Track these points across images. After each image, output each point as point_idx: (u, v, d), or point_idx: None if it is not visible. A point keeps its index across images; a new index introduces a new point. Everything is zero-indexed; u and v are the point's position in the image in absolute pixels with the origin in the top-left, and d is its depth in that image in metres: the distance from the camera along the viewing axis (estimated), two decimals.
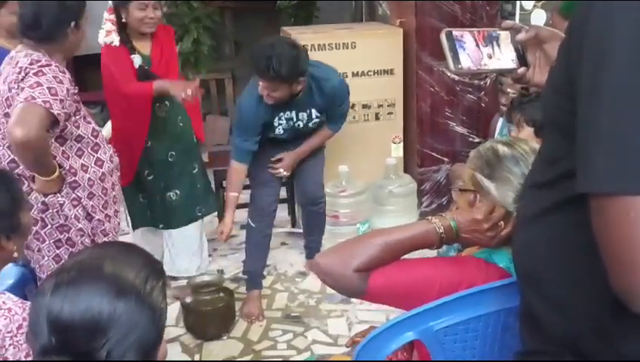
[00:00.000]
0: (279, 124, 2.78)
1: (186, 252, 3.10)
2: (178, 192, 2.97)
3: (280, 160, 2.90)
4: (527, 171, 1.16)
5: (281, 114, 2.75)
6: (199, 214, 3.07)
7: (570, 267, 0.83)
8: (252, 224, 2.95)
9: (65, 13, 1.99)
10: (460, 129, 3.60)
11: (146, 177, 2.93)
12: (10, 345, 1.20)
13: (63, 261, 2.06)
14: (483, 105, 3.56)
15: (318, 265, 1.24)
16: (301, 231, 3.46)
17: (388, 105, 3.60)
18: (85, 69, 4.54)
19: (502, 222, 1.25)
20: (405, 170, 3.68)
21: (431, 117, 3.57)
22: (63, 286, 0.87)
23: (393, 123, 3.63)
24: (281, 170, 2.90)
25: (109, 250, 0.96)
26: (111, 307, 0.86)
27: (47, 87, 1.87)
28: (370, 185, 3.49)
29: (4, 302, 1.25)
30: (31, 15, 1.98)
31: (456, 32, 1.10)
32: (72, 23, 2.01)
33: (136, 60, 2.74)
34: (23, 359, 1.20)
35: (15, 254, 1.42)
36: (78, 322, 0.85)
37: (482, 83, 3.54)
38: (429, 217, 1.28)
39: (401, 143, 3.67)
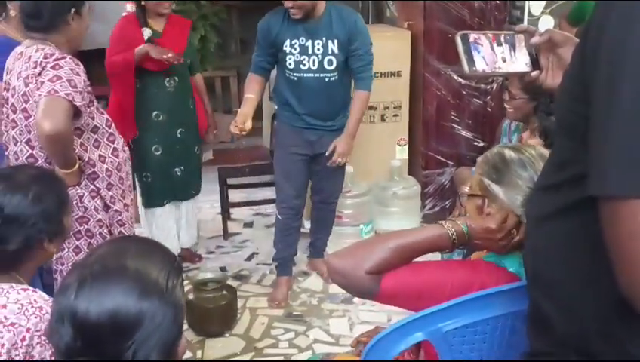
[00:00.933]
0: (291, 52, 2.70)
1: (188, 225, 3.30)
2: (183, 168, 3.13)
3: (333, 152, 2.80)
4: (535, 175, 1.22)
5: (295, 40, 2.69)
6: (194, 192, 3.27)
7: (577, 269, 0.84)
8: (279, 216, 2.97)
9: (63, 0, 2.01)
10: (465, 133, 3.61)
11: (153, 152, 3.04)
12: (37, 343, 1.20)
13: (82, 252, 2.08)
14: (489, 109, 3.57)
15: (331, 264, 1.25)
16: (305, 230, 3.47)
17: (394, 108, 3.61)
18: (90, 64, 4.55)
19: (514, 230, 1.26)
20: (410, 173, 3.68)
21: (436, 120, 3.58)
22: (87, 286, 0.87)
23: (399, 125, 3.64)
24: (340, 159, 2.82)
25: (130, 246, 0.96)
26: (136, 307, 0.86)
27: (67, 80, 1.90)
28: (374, 187, 3.50)
29: (35, 301, 1.24)
30: (31, 5, 2.00)
31: (472, 35, 1.11)
32: (72, 10, 2.02)
33: (146, 33, 2.90)
34: (48, 358, 1.20)
35: (54, 256, 1.43)
36: (104, 324, 0.85)
37: (489, 87, 3.55)
38: (441, 221, 1.28)
39: (406, 145, 3.68)
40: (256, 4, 5.55)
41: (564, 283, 0.85)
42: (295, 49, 2.70)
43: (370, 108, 3.57)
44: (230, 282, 3.02)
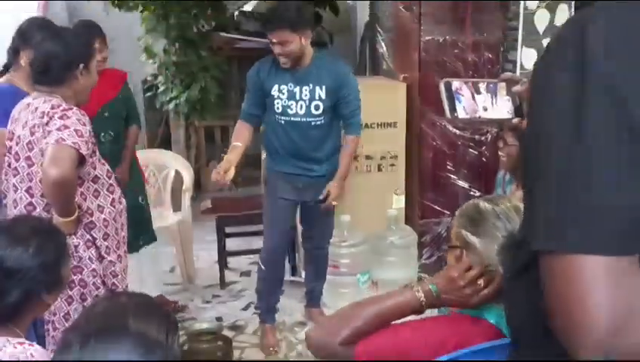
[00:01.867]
0: (279, 97, 2.79)
1: (148, 275, 3.26)
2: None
3: (326, 197, 2.86)
4: (510, 226, 1.28)
5: (283, 86, 2.78)
6: (141, 243, 3.19)
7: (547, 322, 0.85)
8: (262, 267, 2.97)
9: (73, 57, 2.08)
10: (461, 183, 3.64)
11: None
12: None
13: (74, 302, 2.07)
14: (484, 159, 3.61)
15: (310, 339, 1.30)
16: (300, 279, 3.45)
17: (390, 157, 3.65)
18: None
19: (481, 281, 1.27)
20: (406, 222, 3.69)
21: (433, 170, 3.61)
22: (90, 346, 0.87)
23: (395, 174, 3.67)
24: (334, 203, 2.90)
25: (128, 303, 0.97)
26: None
27: (74, 130, 1.96)
28: (371, 236, 3.50)
29: (31, 355, 1.24)
30: (41, 60, 2.07)
31: (455, 83, 1.15)
32: (81, 65, 2.08)
33: None
34: None
35: (52, 307, 1.43)
36: None
37: (484, 138, 3.60)
38: (411, 284, 1.31)
39: (403, 195, 3.70)
40: (257, 54, 5.68)
41: (538, 337, 0.85)
42: (283, 94, 2.79)
43: (367, 157, 3.61)
44: (226, 332, 2.99)
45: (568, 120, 0.68)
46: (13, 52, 2.57)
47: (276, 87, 2.79)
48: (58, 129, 1.95)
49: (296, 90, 2.78)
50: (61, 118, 1.97)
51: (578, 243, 0.66)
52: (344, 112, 2.83)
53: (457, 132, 3.55)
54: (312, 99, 2.78)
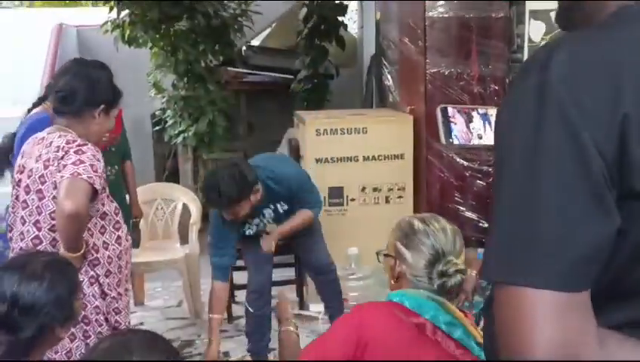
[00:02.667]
0: (249, 230, 2.89)
1: None
2: None
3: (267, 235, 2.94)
4: (437, 245, 1.49)
5: (247, 225, 2.87)
6: None
7: None
8: (250, 309, 2.97)
9: (97, 95, 2.11)
10: (469, 214, 3.61)
11: None
12: None
13: (77, 339, 2.06)
14: (492, 190, 3.59)
15: None
16: (309, 313, 3.41)
17: (398, 189, 3.64)
18: None
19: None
20: None
21: (440, 201, 3.60)
22: None
23: (403, 206, 3.66)
24: (265, 249, 2.92)
25: (132, 339, 0.96)
26: None
27: (90, 164, 1.98)
28: (379, 269, 3.45)
29: None
30: (67, 89, 2.10)
31: (450, 111, 1.16)
32: (102, 106, 2.11)
33: None
34: None
35: (64, 339, 1.44)
36: None
37: (491, 169, 3.59)
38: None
39: None
40: (264, 88, 5.75)
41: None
42: (253, 227, 2.91)
43: (375, 189, 3.61)
44: None
45: (524, 152, 0.69)
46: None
47: (246, 227, 2.88)
48: (74, 163, 1.97)
49: (259, 219, 2.89)
50: (76, 152, 2.00)
51: (522, 276, 0.66)
52: (303, 200, 2.92)
53: (465, 163, 3.54)
54: (276, 212, 2.89)
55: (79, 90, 2.09)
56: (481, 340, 1.39)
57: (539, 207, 0.66)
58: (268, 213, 2.87)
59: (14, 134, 2.62)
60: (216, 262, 2.79)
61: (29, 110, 2.70)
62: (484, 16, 3.46)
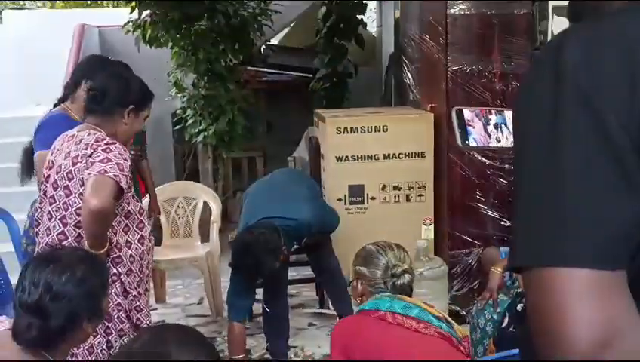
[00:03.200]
0: None
1: None
2: None
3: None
4: (386, 257, 1.92)
5: None
6: None
7: None
8: (267, 309, 2.97)
9: (128, 95, 2.15)
10: (491, 212, 3.58)
11: None
12: None
13: (99, 335, 2.08)
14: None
15: None
16: (329, 311, 3.41)
17: (419, 188, 3.62)
18: None
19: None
20: (436, 253, 3.64)
21: (462, 200, 3.57)
22: None
23: (424, 205, 3.64)
24: None
25: (169, 336, 0.97)
26: None
27: (117, 163, 2.02)
28: None
29: None
30: (99, 88, 2.15)
31: (466, 114, 1.15)
32: (131, 107, 2.15)
33: None
34: None
35: (90, 337, 1.48)
36: None
37: (513, 167, 3.55)
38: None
39: (432, 225, 3.66)
40: (283, 87, 5.76)
41: None
42: None
43: (395, 188, 3.59)
44: None
45: (543, 134, 0.68)
46: (74, 85, 2.69)
47: None
48: (101, 161, 2.00)
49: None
50: (105, 150, 2.03)
51: (553, 257, 0.65)
52: (325, 233, 3.07)
53: (486, 161, 3.51)
54: (300, 244, 2.95)
55: (110, 89, 2.14)
56: (437, 314, 1.82)
57: (565, 185, 0.65)
58: (292, 248, 2.91)
59: None
60: (235, 303, 2.79)
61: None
62: (507, 13, 3.42)
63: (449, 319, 1.86)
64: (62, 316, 1.41)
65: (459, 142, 1.14)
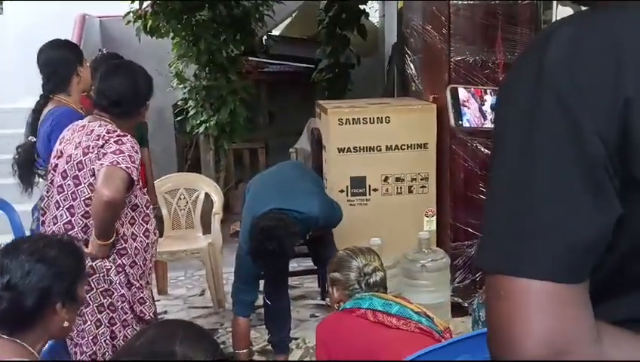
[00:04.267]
0: None
1: None
2: None
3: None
4: (357, 261, 2.03)
5: None
6: None
7: None
8: (268, 302, 2.96)
9: (145, 94, 2.20)
10: None
11: None
12: None
13: (102, 326, 2.09)
14: None
15: None
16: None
17: (421, 179, 3.61)
18: None
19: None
20: (438, 244, 3.63)
21: (464, 191, 3.55)
22: None
23: (426, 196, 3.62)
24: None
25: (177, 331, 0.97)
26: None
27: (128, 155, 2.03)
28: (402, 259, 3.44)
29: None
30: (114, 94, 2.15)
31: (462, 93, 1.13)
32: (147, 103, 2.23)
33: None
34: None
35: (65, 324, 1.46)
36: None
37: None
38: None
39: (434, 217, 3.65)
40: (284, 77, 5.73)
41: None
42: None
43: (398, 179, 3.58)
44: (256, 358, 2.96)
45: (517, 137, 0.66)
46: (66, 76, 2.64)
47: None
48: (113, 152, 2.01)
49: None
50: (117, 142, 2.05)
51: (515, 266, 0.63)
52: (329, 229, 3.06)
53: (489, 152, 3.49)
54: (304, 239, 2.90)
55: (124, 96, 2.15)
56: (417, 309, 1.86)
57: (532, 194, 0.64)
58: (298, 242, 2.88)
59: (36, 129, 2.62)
60: (241, 299, 2.80)
61: (40, 103, 2.64)
62: (510, 3, 3.39)
63: (428, 313, 1.88)
64: (33, 296, 1.41)
65: (452, 122, 1.11)
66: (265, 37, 5.68)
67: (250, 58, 5.34)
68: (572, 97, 0.62)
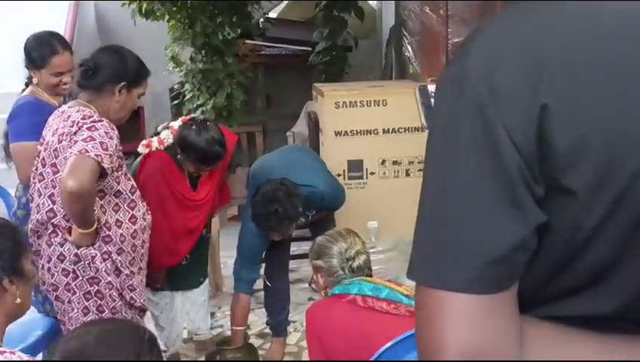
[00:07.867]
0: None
1: (204, 312, 3.02)
2: (189, 256, 2.80)
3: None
4: (337, 246, 2.00)
5: None
6: (202, 279, 2.98)
7: None
8: (268, 283, 2.96)
9: (120, 71, 2.10)
10: None
11: None
12: None
13: (90, 313, 2.07)
14: None
15: None
16: None
17: (418, 162, 3.59)
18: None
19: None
20: None
21: None
22: None
23: None
24: None
25: (89, 338, 0.96)
26: None
27: (100, 142, 1.96)
28: (400, 242, 3.45)
29: None
30: (91, 64, 2.10)
31: (430, 88, 1.10)
32: (122, 83, 2.09)
33: None
34: None
35: (18, 300, 1.43)
36: None
37: None
38: None
39: None
40: (282, 60, 5.69)
41: None
42: None
43: (395, 163, 3.57)
44: (252, 341, 2.97)
45: (439, 145, 0.65)
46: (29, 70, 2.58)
47: None
48: (84, 140, 1.95)
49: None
50: (89, 128, 1.98)
51: (436, 279, 0.64)
52: (331, 210, 3.07)
53: None
54: (306, 217, 2.88)
55: (101, 65, 2.09)
56: (407, 293, 1.84)
57: (451, 207, 0.63)
58: (301, 220, 2.85)
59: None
60: (244, 276, 2.77)
61: (23, 90, 2.62)
62: None
63: None
64: None
65: (422, 121, 1.09)
66: (261, 19, 5.62)
67: (246, 41, 5.29)
68: (490, 106, 0.61)
